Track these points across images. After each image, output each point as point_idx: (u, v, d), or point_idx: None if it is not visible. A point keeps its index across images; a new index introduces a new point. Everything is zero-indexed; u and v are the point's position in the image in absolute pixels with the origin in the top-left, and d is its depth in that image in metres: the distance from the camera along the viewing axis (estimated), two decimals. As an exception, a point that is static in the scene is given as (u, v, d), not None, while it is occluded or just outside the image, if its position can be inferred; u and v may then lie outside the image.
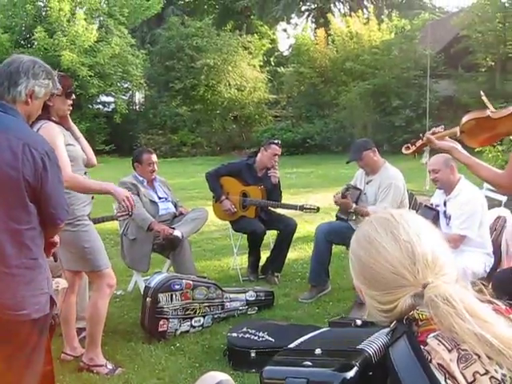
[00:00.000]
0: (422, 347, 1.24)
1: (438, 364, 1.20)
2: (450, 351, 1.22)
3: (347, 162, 5.75)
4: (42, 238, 2.62)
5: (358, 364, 1.24)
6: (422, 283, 1.32)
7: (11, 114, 2.55)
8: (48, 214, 2.57)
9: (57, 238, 2.89)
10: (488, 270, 4.53)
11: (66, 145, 3.68)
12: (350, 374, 1.22)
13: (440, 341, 1.24)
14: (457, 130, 2.82)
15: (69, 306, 4.14)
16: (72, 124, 4.02)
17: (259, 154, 6.22)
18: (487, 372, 1.19)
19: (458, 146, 2.86)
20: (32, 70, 2.63)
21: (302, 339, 1.51)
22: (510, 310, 1.37)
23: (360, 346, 1.30)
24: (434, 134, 2.95)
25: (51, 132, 3.54)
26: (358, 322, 1.53)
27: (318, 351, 1.35)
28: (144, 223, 5.28)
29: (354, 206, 5.47)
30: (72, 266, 3.95)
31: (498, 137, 2.94)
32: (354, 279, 1.47)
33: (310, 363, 1.30)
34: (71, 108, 3.91)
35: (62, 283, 3.34)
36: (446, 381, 1.18)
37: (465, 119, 2.78)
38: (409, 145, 3.18)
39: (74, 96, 3.92)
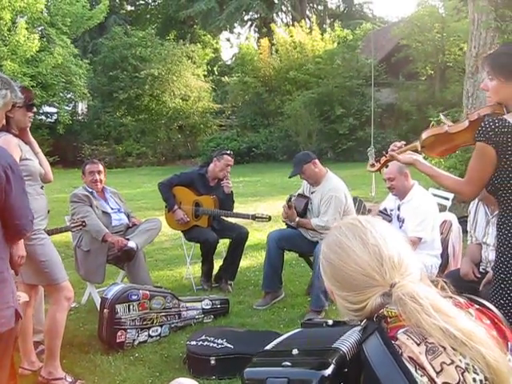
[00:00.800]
0: (392, 342, 1.34)
1: (409, 357, 1.30)
2: (418, 345, 1.32)
3: (289, 177, 5.86)
4: (7, 252, 2.62)
5: (334, 362, 1.29)
6: (390, 283, 1.42)
7: None
8: (13, 226, 2.58)
9: (23, 252, 2.89)
10: (435, 272, 4.70)
11: (23, 159, 3.66)
12: (328, 371, 1.27)
13: (409, 336, 1.34)
14: (417, 144, 2.95)
15: (25, 319, 4.08)
16: (31, 138, 4.00)
17: (211, 165, 6.28)
18: (453, 362, 1.30)
19: (420, 158, 2.99)
20: None
21: (277, 340, 1.56)
22: (469, 304, 1.49)
23: (335, 345, 1.36)
24: (394, 149, 3.06)
25: (8, 145, 3.51)
26: (330, 322, 1.61)
27: (295, 351, 1.39)
28: (98, 234, 5.27)
29: (297, 219, 5.59)
30: (30, 280, 3.92)
31: (456, 147, 3.08)
32: (326, 282, 1.56)
33: (288, 363, 1.35)
34: (31, 121, 3.91)
35: (23, 297, 3.32)
36: (416, 371, 1.28)
37: (424, 136, 2.91)
38: (373, 162, 3.29)
39: (34, 109, 3.91)
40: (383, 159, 3.18)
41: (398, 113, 23.84)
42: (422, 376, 1.27)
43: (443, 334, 1.31)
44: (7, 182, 2.48)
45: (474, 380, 1.30)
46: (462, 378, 1.29)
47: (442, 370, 1.29)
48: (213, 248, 6.19)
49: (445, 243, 4.99)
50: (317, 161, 5.63)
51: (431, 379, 1.27)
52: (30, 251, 3.64)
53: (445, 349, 1.31)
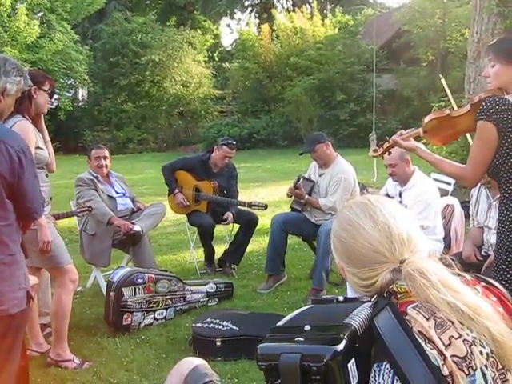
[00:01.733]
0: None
1: (419, 331, 1.35)
2: (427, 319, 1.37)
3: (300, 154, 5.93)
4: (19, 234, 2.67)
5: (346, 337, 1.33)
6: (400, 259, 1.47)
7: None
8: (25, 209, 2.62)
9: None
10: (438, 256, 4.74)
11: (36, 147, 3.72)
12: (340, 346, 1.31)
13: (418, 311, 1.39)
14: (420, 130, 2.99)
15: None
16: (44, 126, 4.06)
17: (214, 152, 6.32)
18: (460, 336, 1.36)
19: (422, 146, 3.04)
20: (3, 68, 2.66)
21: (289, 317, 1.59)
22: (476, 281, 1.54)
23: (346, 320, 1.40)
24: (400, 135, 3.11)
25: (26, 130, 3.58)
26: (340, 298, 1.65)
27: (307, 327, 1.43)
28: (104, 217, 5.31)
29: (307, 197, 5.65)
30: (34, 263, 3.97)
31: (459, 134, 3.11)
32: (337, 259, 1.61)
33: (301, 339, 1.38)
34: (48, 108, 4.00)
35: (32, 280, 3.36)
36: (426, 345, 1.33)
37: (427, 119, 2.95)
38: (376, 148, 3.34)
39: (52, 98, 4.00)
40: (386, 144, 3.23)
41: (399, 99, 23.79)
42: (431, 349, 1.33)
43: (451, 309, 1.37)
44: (20, 166, 2.51)
45: (481, 353, 1.36)
46: (469, 350, 1.35)
47: (450, 344, 1.34)
48: (208, 233, 6.23)
49: (447, 228, 5.02)
50: (330, 143, 5.72)
51: (440, 352, 1.32)
52: (34, 235, 3.69)
53: (453, 323, 1.36)
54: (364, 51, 23.29)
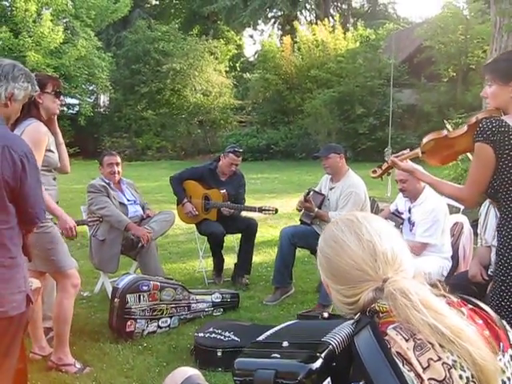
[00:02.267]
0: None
1: (397, 352, 1.33)
2: (407, 341, 1.35)
3: (314, 157, 6.03)
4: (20, 238, 2.69)
5: (322, 356, 1.33)
6: (383, 278, 1.45)
7: None
8: (27, 214, 2.64)
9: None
10: (445, 274, 4.71)
11: (47, 150, 3.76)
12: (316, 365, 1.30)
13: (398, 331, 1.37)
14: (418, 151, 3.01)
15: (35, 305, 4.15)
16: (57, 128, 4.10)
17: (221, 160, 6.34)
18: (440, 358, 1.33)
19: (420, 168, 3.05)
20: (12, 73, 2.70)
21: (269, 332, 1.59)
22: (462, 303, 1.52)
23: (325, 338, 1.39)
24: (397, 156, 3.13)
25: (38, 131, 3.63)
26: (325, 315, 1.64)
27: (285, 344, 1.43)
28: (120, 225, 5.35)
29: (316, 210, 5.64)
30: (37, 267, 3.99)
31: (457, 154, 3.11)
32: (322, 275, 1.61)
33: (278, 355, 1.38)
34: (59, 108, 4.02)
35: (35, 283, 3.40)
36: (404, 366, 1.31)
37: (425, 140, 2.97)
38: (375, 169, 3.35)
39: (62, 97, 4.02)
40: (385, 165, 3.24)
41: (419, 114, 23.72)
42: (409, 371, 1.30)
43: (431, 331, 1.34)
44: (23, 171, 2.54)
45: (461, 377, 1.33)
46: (448, 374, 1.32)
47: (428, 366, 1.32)
48: (219, 241, 6.24)
49: (455, 246, 4.98)
50: (344, 157, 5.74)
51: (418, 375, 1.30)
52: (37, 239, 3.71)
53: (433, 345, 1.34)
54: (385, 65, 23.25)
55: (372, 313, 1.45)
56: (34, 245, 3.55)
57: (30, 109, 3.61)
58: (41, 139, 3.63)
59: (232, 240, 6.85)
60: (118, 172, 5.68)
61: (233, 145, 6.95)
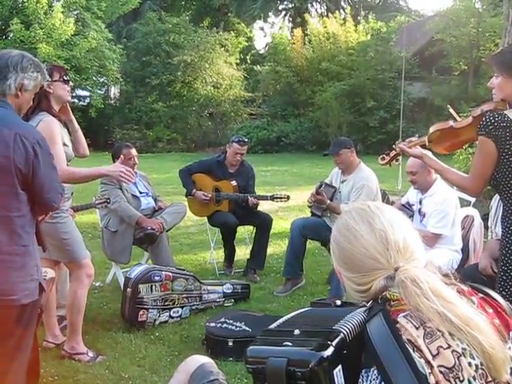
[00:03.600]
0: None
1: (407, 339, 1.36)
2: (417, 328, 1.38)
3: (324, 155, 6.04)
4: (33, 226, 2.73)
5: (333, 344, 1.34)
6: (394, 266, 1.48)
7: (2, 105, 2.66)
8: (43, 199, 2.69)
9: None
10: (455, 267, 4.72)
11: (62, 144, 3.79)
12: (327, 352, 1.32)
13: (409, 320, 1.40)
14: (425, 139, 3.05)
15: (48, 294, 4.18)
16: (71, 115, 4.14)
17: (227, 151, 6.38)
18: (449, 346, 1.36)
19: (429, 153, 3.08)
20: (20, 64, 2.73)
21: (282, 319, 1.61)
22: (473, 292, 1.54)
23: (336, 326, 1.41)
24: (407, 143, 3.17)
25: (52, 126, 3.66)
26: (338, 302, 1.67)
27: (296, 332, 1.44)
28: (131, 220, 5.40)
29: (328, 202, 5.64)
30: (52, 256, 4.02)
31: (463, 143, 3.19)
32: (335, 263, 1.63)
33: (289, 343, 1.39)
34: (70, 94, 4.04)
35: (50, 273, 3.43)
36: (414, 353, 1.34)
37: (431, 130, 3.03)
38: (384, 155, 3.39)
39: (71, 83, 4.03)
40: (393, 152, 3.27)
41: (430, 107, 23.61)
42: (419, 358, 1.34)
43: (440, 318, 1.37)
44: (35, 157, 2.57)
45: (470, 364, 1.36)
46: (457, 361, 1.35)
47: (438, 354, 1.35)
48: (232, 231, 6.28)
49: (466, 238, 4.99)
50: (354, 150, 5.75)
51: (427, 362, 1.33)
52: (53, 229, 3.76)
53: (442, 333, 1.37)
54: (396, 58, 23.15)
55: (384, 301, 1.48)
56: (49, 234, 3.61)
57: (40, 100, 3.65)
58: (54, 135, 3.65)
59: (243, 232, 6.88)
60: (136, 164, 5.73)
61: (238, 135, 6.96)
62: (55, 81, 3.84)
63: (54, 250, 3.85)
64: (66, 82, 3.96)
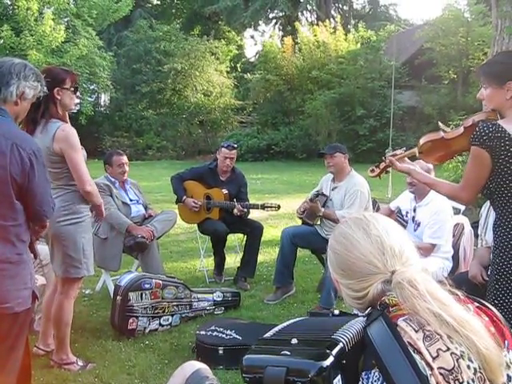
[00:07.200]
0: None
1: (408, 342, 1.38)
2: (416, 331, 1.40)
3: (319, 154, 6.02)
4: (28, 235, 2.72)
5: (333, 353, 1.34)
6: (391, 270, 1.51)
7: (0, 114, 2.65)
8: (34, 212, 2.68)
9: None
10: (446, 274, 4.73)
11: None
12: (326, 362, 1.31)
13: (408, 323, 1.42)
14: (415, 150, 3.05)
15: (51, 302, 4.06)
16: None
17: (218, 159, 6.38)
18: (448, 349, 1.38)
19: (417, 167, 3.09)
20: (23, 72, 2.73)
21: (276, 328, 1.60)
22: (468, 300, 1.56)
23: (335, 335, 1.40)
24: (394, 155, 3.16)
25: (73, 134, 3.65)
26: (336, 312, 1.67)
27: (294, 341, 1.43)
28: (121, 227, 5.38)
29: (323, 210, 5.63)
30: (54, 270, 3.91)
31: (454, 153, 3.18)
32: (332, 272, 1.64)
33: (287, 352, 1.39)
34: (76, 106, 3.99)
35: (40, 280, 3.42)
36: (414, 355, 1.35)
37: (422, 141, 3.02)
38: (373, 168, 3.39)
39: (78, 93, 3.99)
40: (382, 165, 3.27)
41: (420, 116, 23.78)
42: (420, 360, 1.35)
43: (436, 320, 1.39)
44: (31, 168, 2.58)
45: (469, 367, 1.38)
46: (456, 364, 1.37)
47: (437, 356, 1.36)
48: (222, 239, 6.25)
49: (456, 246, 5.01)
50: (348, 157, 5.78)
51: (428, 364, 1.35)
52: (74, 243, 3.76)
53: (441, 336, 1.39)
54: (385, 67, 23.31)
55: (383, 307, 1.49)
56: (67, 238, 3.61)
57: (49, 106, 3.61)
58: (75, 142, 3.64)
59: (233, 239, 6.88)
60: (126, 172, 5.73)
61: (227, 141, 6.96)
62: (66, 88, 3.70)
63: (61, 265, 3.79)
64: (75, 90, 3.85)
